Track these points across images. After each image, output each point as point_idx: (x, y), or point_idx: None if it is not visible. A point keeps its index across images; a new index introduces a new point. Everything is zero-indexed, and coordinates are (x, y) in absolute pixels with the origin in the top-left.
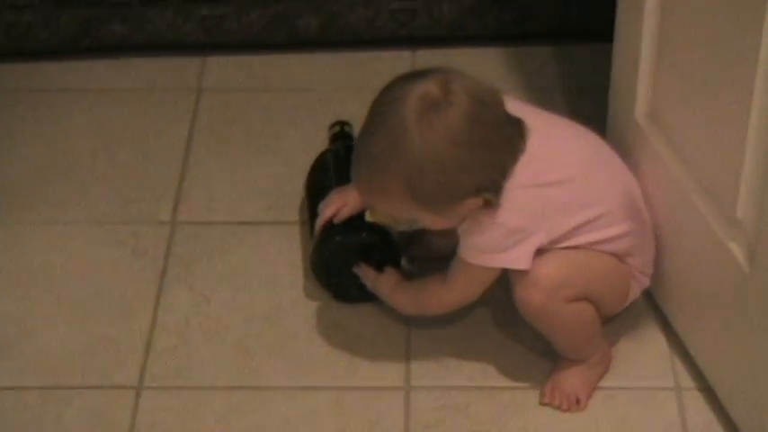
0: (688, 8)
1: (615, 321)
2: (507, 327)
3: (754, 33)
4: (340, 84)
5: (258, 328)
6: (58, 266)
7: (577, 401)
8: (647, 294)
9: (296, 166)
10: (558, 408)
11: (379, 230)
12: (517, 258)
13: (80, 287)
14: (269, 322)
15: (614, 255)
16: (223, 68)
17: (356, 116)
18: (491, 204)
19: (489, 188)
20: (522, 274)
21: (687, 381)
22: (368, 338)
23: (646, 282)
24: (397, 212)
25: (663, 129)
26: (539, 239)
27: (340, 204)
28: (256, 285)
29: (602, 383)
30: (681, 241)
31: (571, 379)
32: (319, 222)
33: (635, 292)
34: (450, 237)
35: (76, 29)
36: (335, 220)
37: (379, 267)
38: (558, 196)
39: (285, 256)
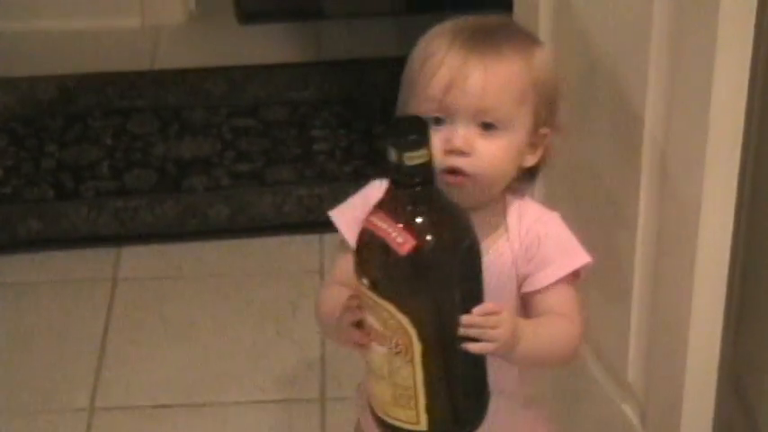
0: None
1: None
2: None
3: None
4: (251, 269)
5: None
6: None
7: None
8: None
9: (211, 350)
10: None
11: None
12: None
13: None
14: None
15: None
16: (138, 258)
17: (266, 300)
18: (545, 148)
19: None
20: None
21: None
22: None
23: None
24: (506, 99)
25: None
26: None
27: None
28: None
29: None
30: (580, 406)
31: None
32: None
33: None
34: None
35: None
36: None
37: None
38: None
39: None
